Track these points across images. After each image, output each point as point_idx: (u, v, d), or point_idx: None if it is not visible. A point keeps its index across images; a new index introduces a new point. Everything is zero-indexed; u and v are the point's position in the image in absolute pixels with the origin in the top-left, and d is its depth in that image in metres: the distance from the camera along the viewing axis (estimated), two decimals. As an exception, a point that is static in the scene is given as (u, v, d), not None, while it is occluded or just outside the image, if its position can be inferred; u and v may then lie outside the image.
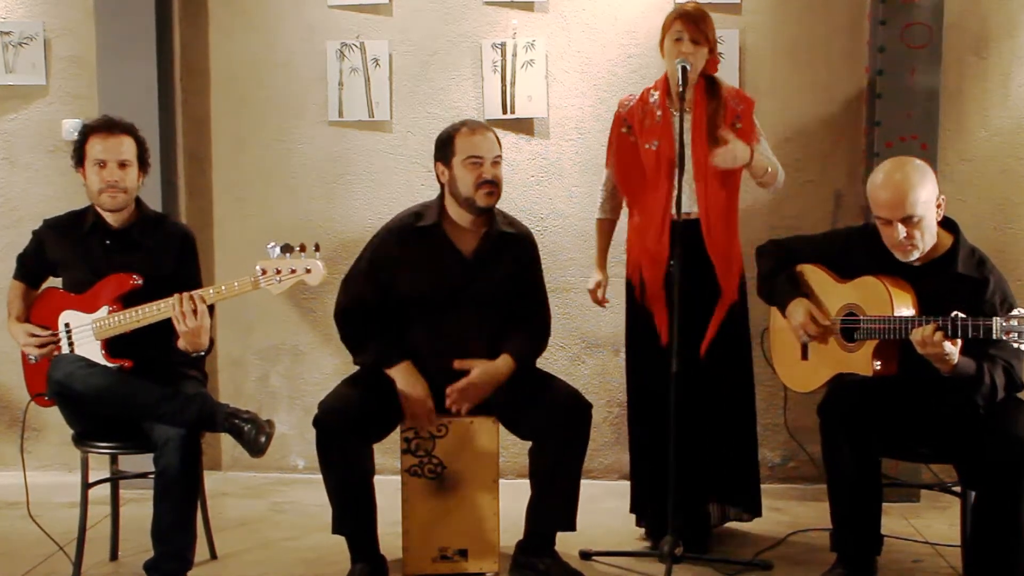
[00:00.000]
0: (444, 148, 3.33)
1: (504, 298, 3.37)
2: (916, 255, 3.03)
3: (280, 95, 4.51)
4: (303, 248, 3.09)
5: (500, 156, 3.32)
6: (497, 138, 3.35)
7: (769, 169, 3.50)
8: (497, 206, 3.48)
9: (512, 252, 3.39)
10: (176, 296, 3.11)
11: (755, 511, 3.68)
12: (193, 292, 3.13)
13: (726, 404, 3.55)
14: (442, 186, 3.37)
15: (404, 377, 3.27)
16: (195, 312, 3.09)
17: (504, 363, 3.30)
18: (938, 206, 3.01)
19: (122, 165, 3.27)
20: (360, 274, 3.40)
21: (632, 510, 3.72)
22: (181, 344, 3.17)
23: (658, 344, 3.50)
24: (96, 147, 3.26)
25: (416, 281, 3.33)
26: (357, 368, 3.44)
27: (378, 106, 4.45)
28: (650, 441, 3.56)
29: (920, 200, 2.95)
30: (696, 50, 3.41)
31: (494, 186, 3.28)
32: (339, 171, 4.51)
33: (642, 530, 3.72)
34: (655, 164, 3.50)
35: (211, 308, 3.42)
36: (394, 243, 3.37)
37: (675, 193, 3.35)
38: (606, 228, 3.76)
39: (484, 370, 3.28)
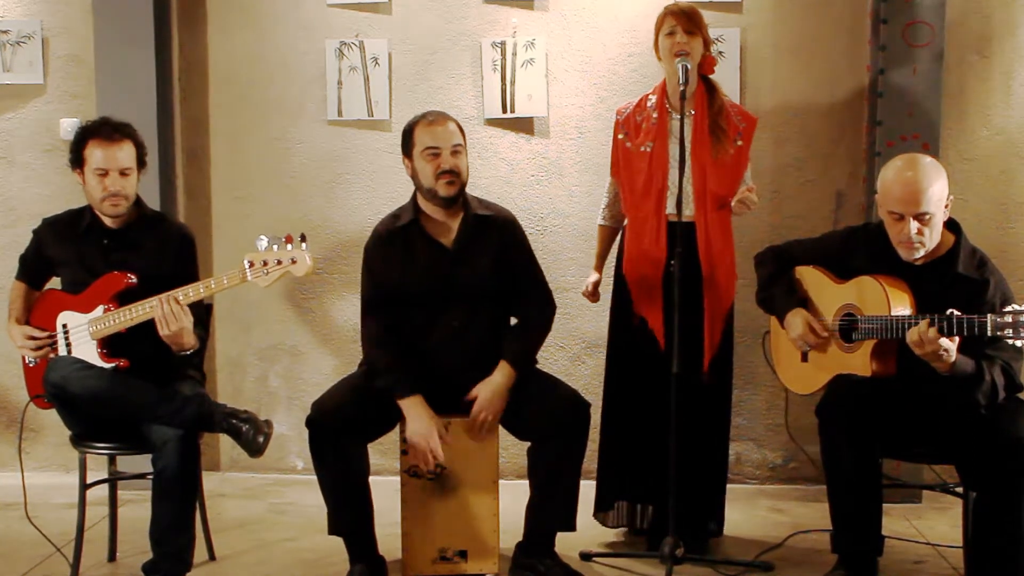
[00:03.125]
0: (405, 141, 3.32)
1: (496, 283, 3.34)
2: (921, 253, 3.01)
3: (279, 94, 4.49)
4: (289, 239, 3.09)
5: (461, 144, 3.29)
6: (460, 127, 3.32)
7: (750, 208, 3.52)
8: (497, 204, 3.47)
9: (494, 235, 3.36)
10: (157, 299, 3.11)
11: (718, 524, 3.66)
12: (172, 293, 3.12)
13: (704, 416, 3.52)
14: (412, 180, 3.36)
15: (414, 413, 3.22)
16: (173, 315, 3.09)
17: (502, 373, 3.26)
18: (945, 206, 3.00)
19: (123, 173, 3.25)
20: (367, 284, 3.39)
21: (597, 510, 3.67)
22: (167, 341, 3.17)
23: (643, 346, 3.51)
24: (96, 154, 3.23)
25: (406, 280, 3.31)
26: (356, 369, 3.43)
27: (377, 105, 4.43)
28: (621, 442, 3.59)
29: (934, 198, 2.95)
30: (691, 40, 3.41)
31: (454, 175, 3.25)
32: (338, 170, 4.50)
33: (614, 529, 3.70)
34: (649, 166, 3.50)
35: (209, 307, 3.43)
36: (380, 248, 3.36)
37: (674, 194, 3.35)
38: (606, 235, 3.74)
39: (488, 389, 3.24)
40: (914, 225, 2.95)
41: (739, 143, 3.51)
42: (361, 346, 3.39)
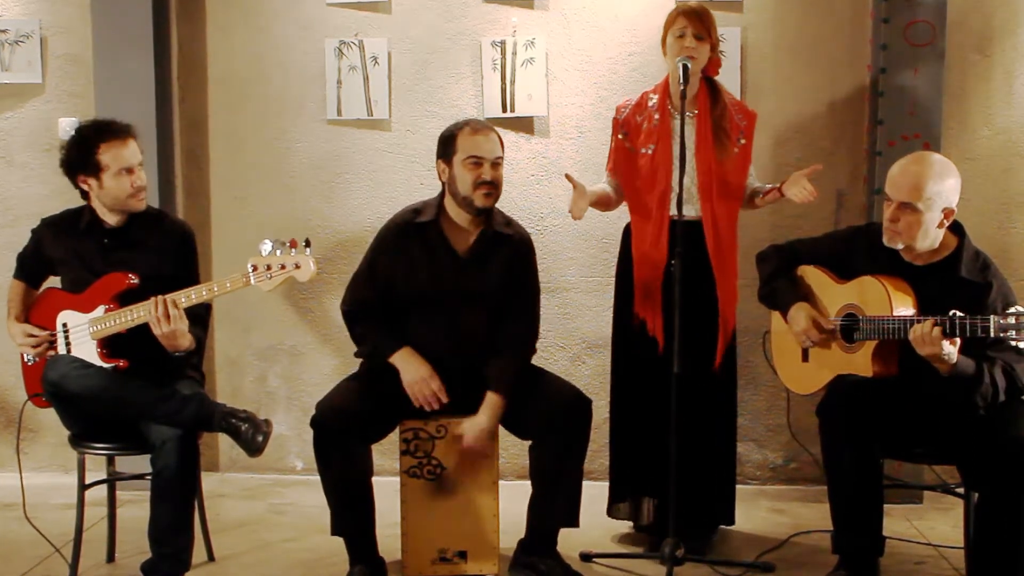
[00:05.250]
0: (446, 146, 3.31)
1: (497, 298, 3.35)
2: (899, 244, 3.03)
3: (278, 93, 4.48)
4: (293, 244, 3.09)
5: (501, 158, 3.31)
6: (500, 139, 3.33)
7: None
8: (497, 205, 3.47)
9: (506, 253, 3.37)
10: (151, 300, 3.10)
11: (729, 520, 3.68)
12: (175, 295, 3.11)
13: (712, 413, 3.53)
14: (443, 184, 3.35)
15: (405, 362, 3.26)
16: (168, 317, 3.08)
17: (489, 408, 3.26)
18: (946, 215, 2.98)
19: (140, 166, 3.27)
20: (363, 270, 3.41)
21: (611, 506, 3.71)
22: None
23: (646, 348, 3.51)
24: (117, 154, 3.20)
25: (411, 277, 3.32)
26: (356, 368, 3.43)
27: (377, 104, 4.42)
28: (633, 443, 3.59)
29: (925, 195, 2.94)
30: (699, 46, 3.40)
31: (493, 187, 3.27)
32: (337, 170, 4.49)
33: (627, 523, 3.73)
34: (651, 167, 3.49)
35: (208, 307, 3.42)
36: (393, 238, 3.37)
37: (674, 194, 3.34)
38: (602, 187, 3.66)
39: (474, 431, 3.26)
40: (893, 212, 2.98)
41: (742, 141, 3.51)
42: (345, 323, 3.41)
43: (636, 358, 3.57)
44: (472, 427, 3.27)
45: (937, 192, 2.95)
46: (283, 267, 3.08)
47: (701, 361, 3.48)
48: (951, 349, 2.82)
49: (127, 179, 3.22)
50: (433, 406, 3.27)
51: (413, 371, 3.25)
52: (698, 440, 3.47)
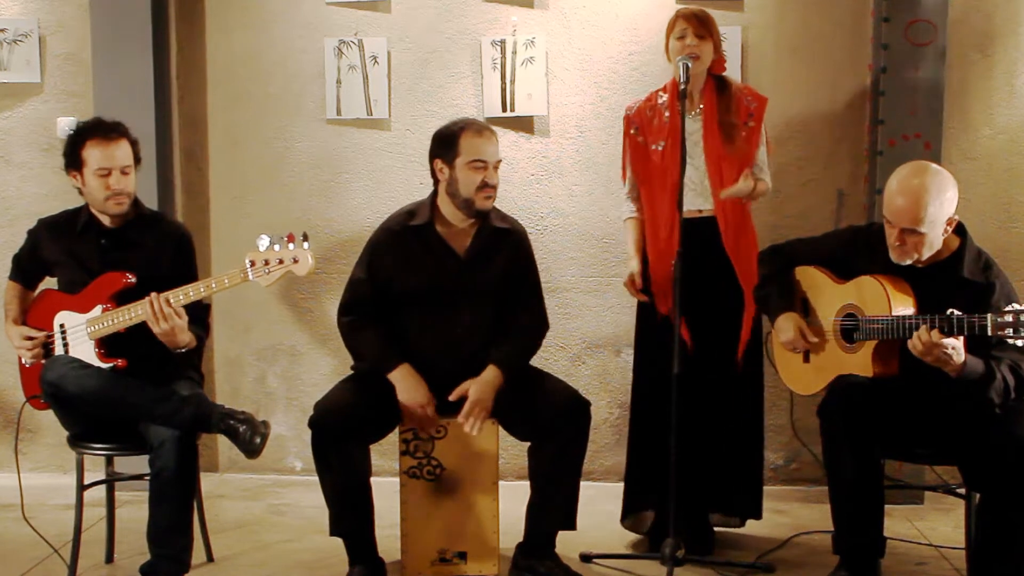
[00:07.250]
0: (447, 146, 3.29)
1: (500, 294, 3.35)
2: (909, 261, 3.00)
3: (277, 92, 4.47)
4: (291, 239, 3.08)
5: (500, 160, 3.31)
6: (497, 139, 3.33)
7: (759, 188, 3.49)
8: (511, 216, 3.48)
9: (505, 248, 3.37)
10: (149, 298, 3.09)
11: (756, 514, 3.66)
12: (172, 292, 3.11)
13: (739, 408, 3.53)
14: (436, 183, 3.34)
15: (403, 381, 3.24)
16: (165, 314, 3.07)
17: (491, 374, 3.26)
18: (949, 222, 2.96)
19: (124, 171, 3.24)
20: (360, 275, 3.39)
21: (624, 516, 3.66)
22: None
23: (669, 344, 3.48)
24: (96, 154, 3.20)
25: (411, 280, 3.31)
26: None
27: (376, 104, 4.41)
28: (655, 444, 3.54)
29: (928, 219, 2.90)
30: (701, 44, 3.41)
31: (494, 190, 3.28)
32: (337, 169, 4.48)
33: (637, 535, 3.69)
34: (662, 164, 3.49)
35: (208, 306, 3.41)
36: (388, 243, 3.35)
37: (690, 189, 3.35)
38: (635, 225, 3.63)
39: (479, 387, 3.24)
40: (896, 236, 2.95)
41: (750, 124, 3.49)
42: (341, 336, 3.40)
43: (663, 355, 3.47)
44: (478, 387, 3.23)
45: (937, 211, 2.91)
46: (281, 261, 3.07)
47: (725, 360, 3.47)
48: (956, 343, 2.80)
49: (103, 180, 3.20)
50: (428, 431, 3.27)
51: (410, 393, 3.23)
52: (726, 435, 3.48)
